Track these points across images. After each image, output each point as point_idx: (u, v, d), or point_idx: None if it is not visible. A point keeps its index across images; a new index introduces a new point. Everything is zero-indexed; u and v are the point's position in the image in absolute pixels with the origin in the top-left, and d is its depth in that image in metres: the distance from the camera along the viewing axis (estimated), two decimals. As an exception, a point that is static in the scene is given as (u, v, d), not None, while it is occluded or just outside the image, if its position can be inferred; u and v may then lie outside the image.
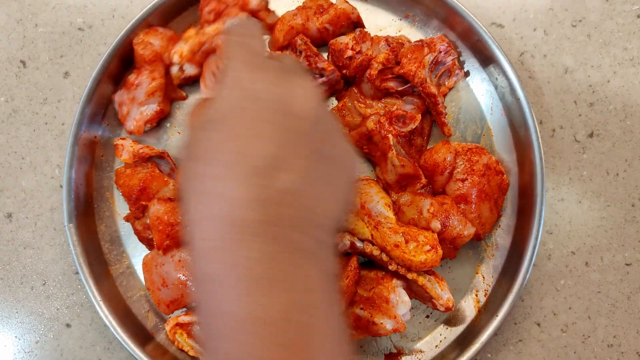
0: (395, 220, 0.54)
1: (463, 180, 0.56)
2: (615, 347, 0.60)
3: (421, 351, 0.58)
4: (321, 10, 0.60)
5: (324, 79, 0.58)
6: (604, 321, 0.60)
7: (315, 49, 0.59)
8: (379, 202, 0.54)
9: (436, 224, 0.54)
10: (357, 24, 0.61)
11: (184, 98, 0.62)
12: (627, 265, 0.61)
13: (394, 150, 0.55)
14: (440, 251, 0.52)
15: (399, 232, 0.52)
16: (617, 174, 0.62)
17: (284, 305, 0.30)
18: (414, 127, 0.57)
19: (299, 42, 0.58)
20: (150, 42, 0.59)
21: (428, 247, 0.51)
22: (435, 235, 0.53)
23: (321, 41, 0.61)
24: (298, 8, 0.61)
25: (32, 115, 0.63)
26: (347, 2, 0.60)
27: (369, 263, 0.58)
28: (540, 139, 0.56)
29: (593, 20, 0.64)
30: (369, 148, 0.59)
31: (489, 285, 0.59)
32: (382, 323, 0.53)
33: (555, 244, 0.61)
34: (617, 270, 0.61)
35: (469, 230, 0.54)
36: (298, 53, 0.59)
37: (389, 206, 0.54)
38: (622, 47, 0.63)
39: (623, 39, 0.64)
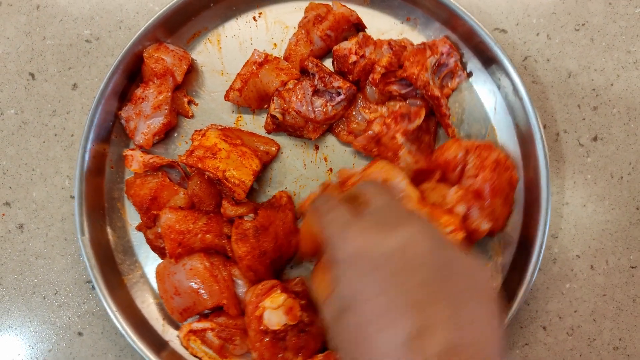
0: (419, 198, 0.52)
1: (475, 176, 0.56)
2: (621, 350, 0.60)
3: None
4: (319, 19, 0.60)
5: (342, 97, 0.59)
6: (610, 324, 0.60)
7: (327, 69, 0.59)
8: (402, 180, 0.53)
9: (462, 208, 0.53)
10: (358, 25, 0.62)
11: (191, 116, 0.63)
12: (632, 268, 0.61)
13: (405, 148, 0.55)
14: (462, 234, 0.51)
15: (422, 211, 0.51)
16: (621, 177, 0.62)
17: None
18: (419, 122, 0.57)
19: (310, 65, 0.59)
20: (162, 58, 0.60)
21: (451, 228, 0.51)
22: (460, 218, 0.52)
23: (327, 50, 0.62)
24: (299, 25, 0.62)
25: (42, 127, 0.64)
26: (344, 5, 0.60)
27: None
28: (544, 135, 0.56)
29: (596, 23, 0.64)
30: (379, 150, 0.59)
31: (495, 289, 0.59)
32: None
33: (560, 248, 0.61)
34: (622, 273, 0.61)
35: (486, 225, 0.55)
36: (311, 76, 0.59)
37: (411, 184, 0.53)
38: (626, 50, 0.64)
39: (626, 42, 0.64)
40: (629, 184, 0.62)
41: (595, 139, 0.63)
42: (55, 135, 0.64)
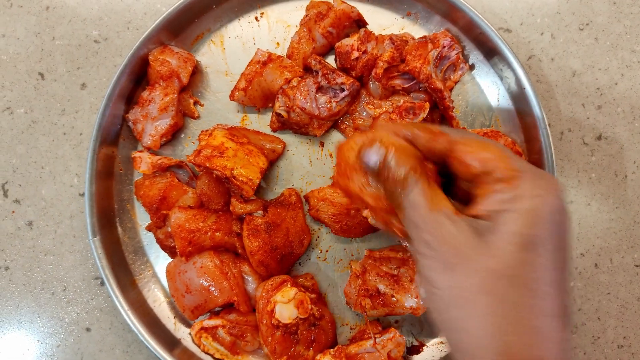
0: None
1: None
2: (625, 348, 0.60)
3: (441, 342, 0.60)
4: (321, 16, 0.61)
5: (345, 92, 0.59)
6: (614, 322, 0.60)
7: (330, 66, 0.60)
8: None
9: None
10: (359, 22, 0.62)
11: (197, 117, 0.64)
12: (637, 266, 0.61)
13: None
14: None
15: None
16: (625, 176, 0.62)
17: None
18: (424, 116, 0.58)
19: (313, 62, 0.59)
20: (168, 61, 0.60)
21: None
22: None
23: (330, 47, 0.63)
24: (300, 23, 0.62)
25: (51, 125, 0.65)
26: (344, 2, 0.61)
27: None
28: (547, 123, 0.57)
29: (600, 23, 0.64)
30: None
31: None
32: (402, 298, 0.55)
33: (565, 246, 0.62)
34: (626, 271, 0.61)
35: None
36: (315, 73, 0.60)
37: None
38: (630, 50, 0.64)
39: (631, 41, 0.64)
40: (634, 183, 0.62)
41: (599, 137, 0.63)
42: (64, 134, 0.65)
